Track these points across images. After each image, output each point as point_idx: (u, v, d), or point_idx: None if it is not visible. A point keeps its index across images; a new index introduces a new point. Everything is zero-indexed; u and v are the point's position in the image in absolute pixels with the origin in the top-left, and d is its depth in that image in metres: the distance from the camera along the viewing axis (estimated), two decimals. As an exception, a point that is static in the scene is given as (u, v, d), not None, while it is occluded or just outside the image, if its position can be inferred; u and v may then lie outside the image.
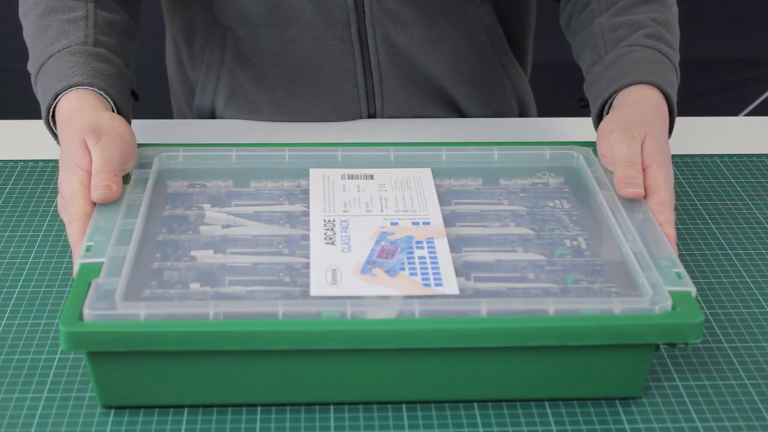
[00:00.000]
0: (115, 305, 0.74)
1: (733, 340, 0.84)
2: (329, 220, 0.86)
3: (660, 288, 0.77)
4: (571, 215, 0.88)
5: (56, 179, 1.05)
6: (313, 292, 0.77)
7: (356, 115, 1.20)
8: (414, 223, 0.86)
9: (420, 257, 0.81)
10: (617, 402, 0.78)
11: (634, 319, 0.75)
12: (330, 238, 0.83)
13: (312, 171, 0.93)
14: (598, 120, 1.00)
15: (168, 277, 0.79)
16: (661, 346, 0.77)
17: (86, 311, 0.73)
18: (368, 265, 0.80)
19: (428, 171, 0.93)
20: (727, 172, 1.09)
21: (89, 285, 0.76)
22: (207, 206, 0.89)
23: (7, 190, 1.03)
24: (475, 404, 0.77)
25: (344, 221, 0.86)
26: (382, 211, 0.87)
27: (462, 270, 0.81)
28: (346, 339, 0.73)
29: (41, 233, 0.96)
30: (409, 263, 0.80)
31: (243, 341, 0.73)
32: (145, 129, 1.14)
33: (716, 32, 2.09)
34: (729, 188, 1.06)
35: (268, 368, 0.75)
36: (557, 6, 1.16)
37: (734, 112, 2.22)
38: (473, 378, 0.76)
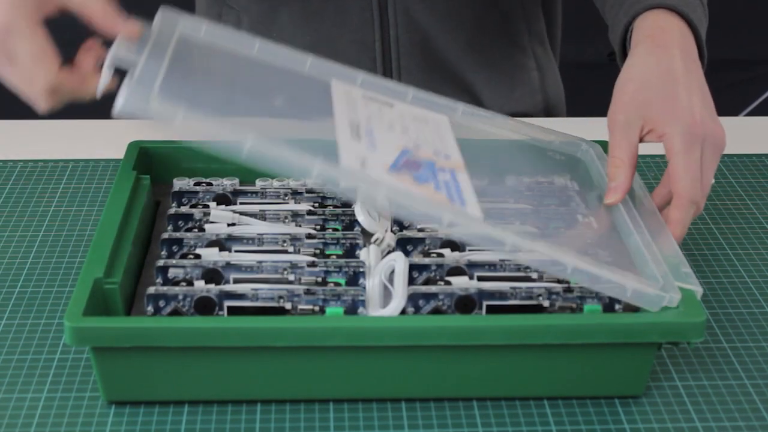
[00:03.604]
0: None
1: (732, 340, 0.84)
2: (354, 124, 0.83)
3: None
4: (576, 214, 0.88)
5: (56, 179, 1.05)
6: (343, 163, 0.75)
7: None
8: (435, 153, 0.83)
9: (444, 181, 0.78)
10: (617, 402, 0.78)
11: (635, 317, 0.75)
12: (357, 136, 0.81)
13: (334, 82, 0.90)
14: (622, 59, 0.94)
15: (173, 274, 0.80)
16: (664, 345, 0.77)
17: None
18: (395, 167, 0.78)
19: (446, 119, 0.90)
20: (726, 172, 1.09)
21: (94, 281, 0.76)
22: (212, 204, 0.89)
23: (6, 190, 1.03)
24: (475, 403, 0.77)
25: (369, 128, 0.83)
26: (403, 134, 0.84)
27: (466, 268, 0.81)
28: (347, 336, 0.73)
29: (41, 233, 0.96)
30: (434, 180, 0.78)
31: (246, 338, 0.73)
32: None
33: (716, 32, 2.09)
34: (729, 188, 1.06)
35: (271, 364, 0.75)
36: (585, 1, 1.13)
37: (734, 112, 2.22)
38: (475, 376, 0.76)
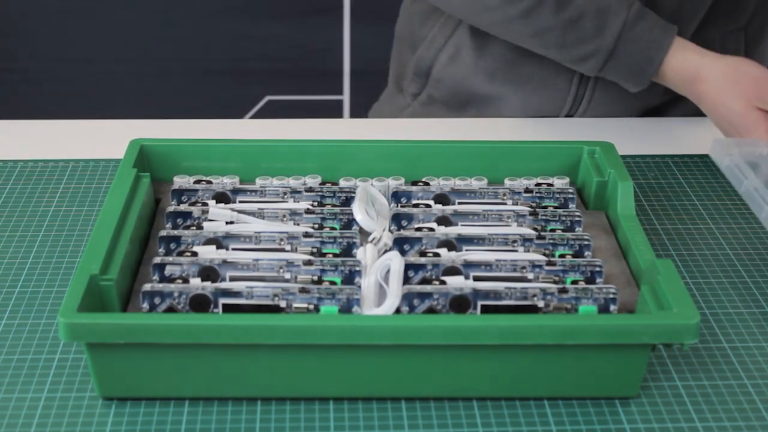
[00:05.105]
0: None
1: (732, 340, 0.84)
2: None
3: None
4: (574, 216, 0.88)
5: (56, 179, 1.05)
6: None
7: (556, 111, 1.21)
8: None
9: None
10: (617, 402, 0.78)
11: (629, 318, 0.75)
12: None
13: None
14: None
15: (169, 271, 0.80)
16: (659, 346, 0.77)
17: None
18: None
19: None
20: (727, 172, 1.09)
21: (89, 278, 0.76)
22: (212, 202, 0.89)
23: (6, 190, 1.03)
24: (475, 402, 0.77)
25: None
26: None
27: (462, 269, 0.81)
28: (340, 334, 0.73)
29: (41, 233, 0.97)
30: None
31: (238, 335, 0.73)
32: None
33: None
34: (729, 188, 1.06)
35: (264, 362, 0.75)
36: None
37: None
38: (470, 375, 0.76)
